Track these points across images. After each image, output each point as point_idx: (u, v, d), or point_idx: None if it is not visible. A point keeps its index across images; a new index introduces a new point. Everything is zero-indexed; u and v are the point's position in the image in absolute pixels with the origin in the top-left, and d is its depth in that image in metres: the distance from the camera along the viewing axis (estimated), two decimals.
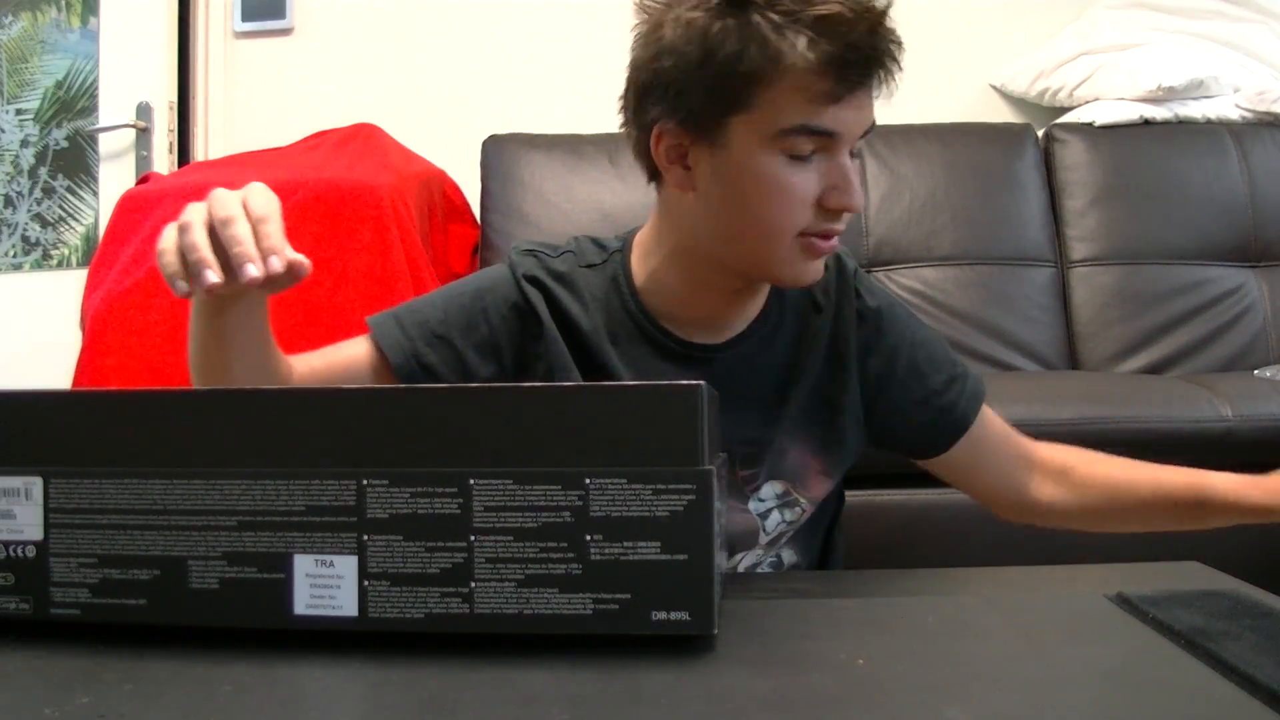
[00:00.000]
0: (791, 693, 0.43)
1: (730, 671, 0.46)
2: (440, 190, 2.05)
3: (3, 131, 2.37)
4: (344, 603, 0.45)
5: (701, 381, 0.47)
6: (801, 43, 0.72)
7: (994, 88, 2.35)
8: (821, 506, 0.91)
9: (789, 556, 0.90)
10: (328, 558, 0.45)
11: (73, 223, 2.32)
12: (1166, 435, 1.41)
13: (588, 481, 0.44)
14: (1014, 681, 0.44)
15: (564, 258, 0.89)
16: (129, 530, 0.47)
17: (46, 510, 0.47)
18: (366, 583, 0.45)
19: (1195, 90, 2.10)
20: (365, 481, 0.45)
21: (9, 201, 2.36)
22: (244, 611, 0.47)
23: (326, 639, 0.47)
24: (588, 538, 0.44)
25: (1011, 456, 0.92)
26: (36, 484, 0.47)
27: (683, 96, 0.76)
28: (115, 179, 2.26)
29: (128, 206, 1.79)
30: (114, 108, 2.28)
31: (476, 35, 2.37)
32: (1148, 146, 2.09)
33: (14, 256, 2.35)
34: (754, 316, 0.87)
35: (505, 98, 2.33)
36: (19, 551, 0.47)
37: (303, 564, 0.45)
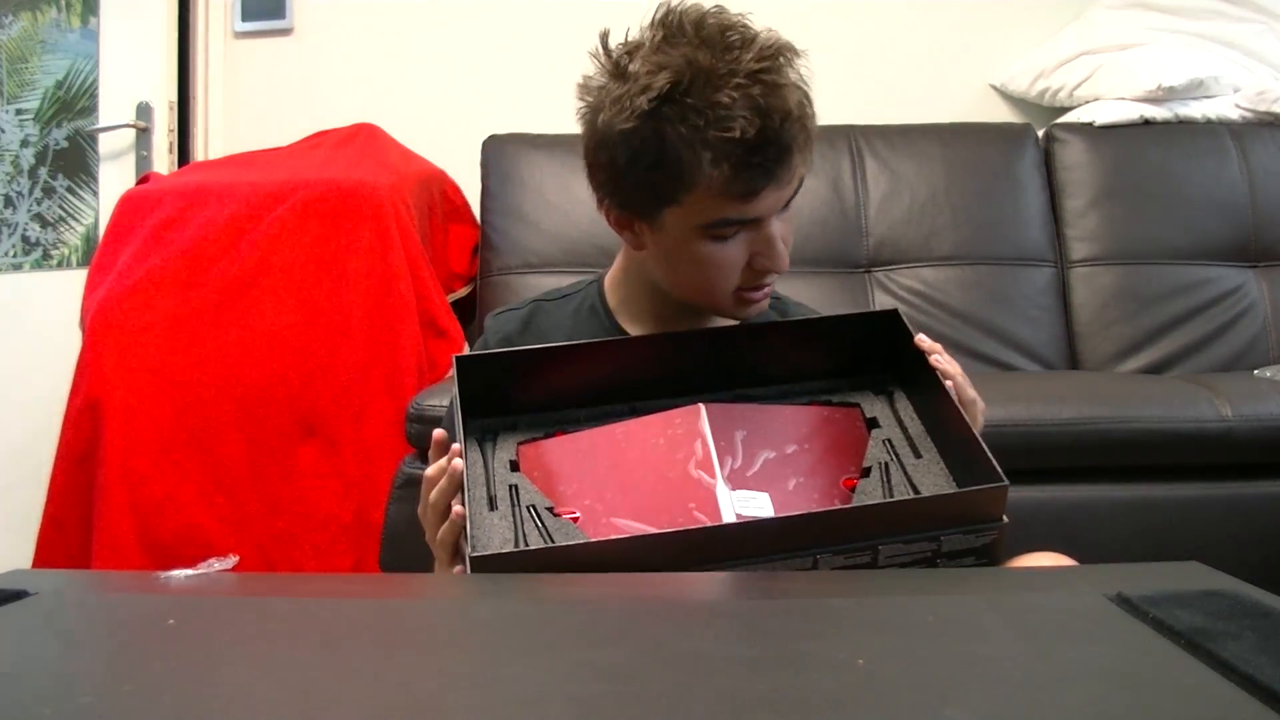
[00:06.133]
0: (791, 693, 0.43)
1: (730, 671, 0.46)
2: (440, 190, 2.05)
3: (3, 131, 2.37)
4: None
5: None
6: (707, 158, 0.78)
7: (994, 88, 2.35)
8: None
9: None
10: None
11: (73, 223, 2.32)
12: (1166, 435, 1.41)
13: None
14: (1014, 681, 0.44)
15: (528, 306, 0.99)
16: None
17: None
18: None
19: (1195, 90, 2.10)
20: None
21: (9, 201, 2.36)
22: None
23: (326, 639, 0.47)
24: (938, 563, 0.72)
25: None
26: None
27: (618, 188, 0.85)
28: (115, 179, 2.26)
29: (128, 206, 1.79)
30: (114, 108, 2.28)
31: (476, 35, 2.37)
32: (1148, 146, 2.09)
33: (14, 256, 2.35)
34: None
35: (505, 98, 2.34)
36: None
37: None
